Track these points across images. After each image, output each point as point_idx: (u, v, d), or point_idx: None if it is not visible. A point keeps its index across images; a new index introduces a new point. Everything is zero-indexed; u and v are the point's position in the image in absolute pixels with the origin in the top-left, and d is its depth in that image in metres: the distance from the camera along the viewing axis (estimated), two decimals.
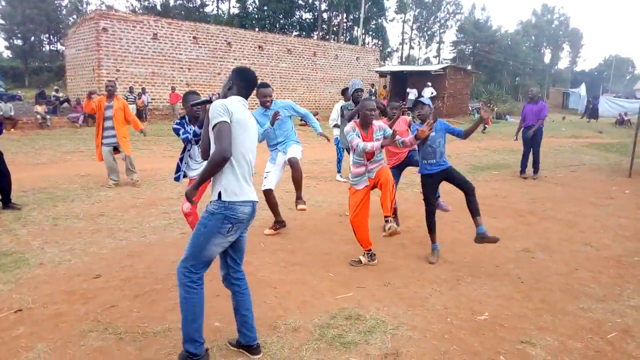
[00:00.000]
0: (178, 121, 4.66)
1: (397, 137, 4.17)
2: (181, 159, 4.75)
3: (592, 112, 30.66)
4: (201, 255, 2.72)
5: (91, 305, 3.57)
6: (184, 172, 4.79)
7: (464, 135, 4.70)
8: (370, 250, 4.61)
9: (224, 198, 2.65)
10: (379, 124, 4.47)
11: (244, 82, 2.85)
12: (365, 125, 4.44)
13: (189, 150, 4.73)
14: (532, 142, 9.51)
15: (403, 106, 5.27)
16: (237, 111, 2.68)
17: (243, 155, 2.73)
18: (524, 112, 9.65)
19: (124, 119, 7.84)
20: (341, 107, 7.87)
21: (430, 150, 4.65)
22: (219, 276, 4.17)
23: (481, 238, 4.58)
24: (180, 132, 4.57)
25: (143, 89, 19.17)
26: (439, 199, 5.38)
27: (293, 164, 5.17)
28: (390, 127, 4.58)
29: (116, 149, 7.86)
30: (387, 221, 4.22)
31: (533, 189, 8.56)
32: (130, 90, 18.39)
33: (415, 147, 4.74)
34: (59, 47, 45.06)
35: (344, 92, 8.36)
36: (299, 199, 5.21)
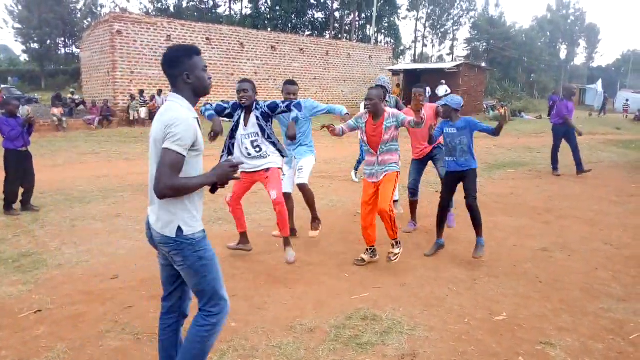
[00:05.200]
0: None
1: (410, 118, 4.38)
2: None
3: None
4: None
5: (109, 305, 3.60)
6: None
7: (493, 133, 4.53)
8: (373, 246, 4.63)
9: None
10: (393, 111, 4.48)
11: None
12: (376, 115, 4.44)
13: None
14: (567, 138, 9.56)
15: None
16: None
17: None
18: (563, 106, 9.48)
19: None
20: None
21: (451, 147, 4.69)
22: (236, 277, 4.20)
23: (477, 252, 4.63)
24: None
25: (159, 90, 19.20)
26: (451, 210, 5.36)
27: (301, 188, 5.08)
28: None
29: None
30: (392, 245, 4.46)
31: (550, 187, 8.44)
32: (141, 93, 18.51)
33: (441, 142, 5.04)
34: (75, 50, 45.73)
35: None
36: (313, 221, 5.24)
